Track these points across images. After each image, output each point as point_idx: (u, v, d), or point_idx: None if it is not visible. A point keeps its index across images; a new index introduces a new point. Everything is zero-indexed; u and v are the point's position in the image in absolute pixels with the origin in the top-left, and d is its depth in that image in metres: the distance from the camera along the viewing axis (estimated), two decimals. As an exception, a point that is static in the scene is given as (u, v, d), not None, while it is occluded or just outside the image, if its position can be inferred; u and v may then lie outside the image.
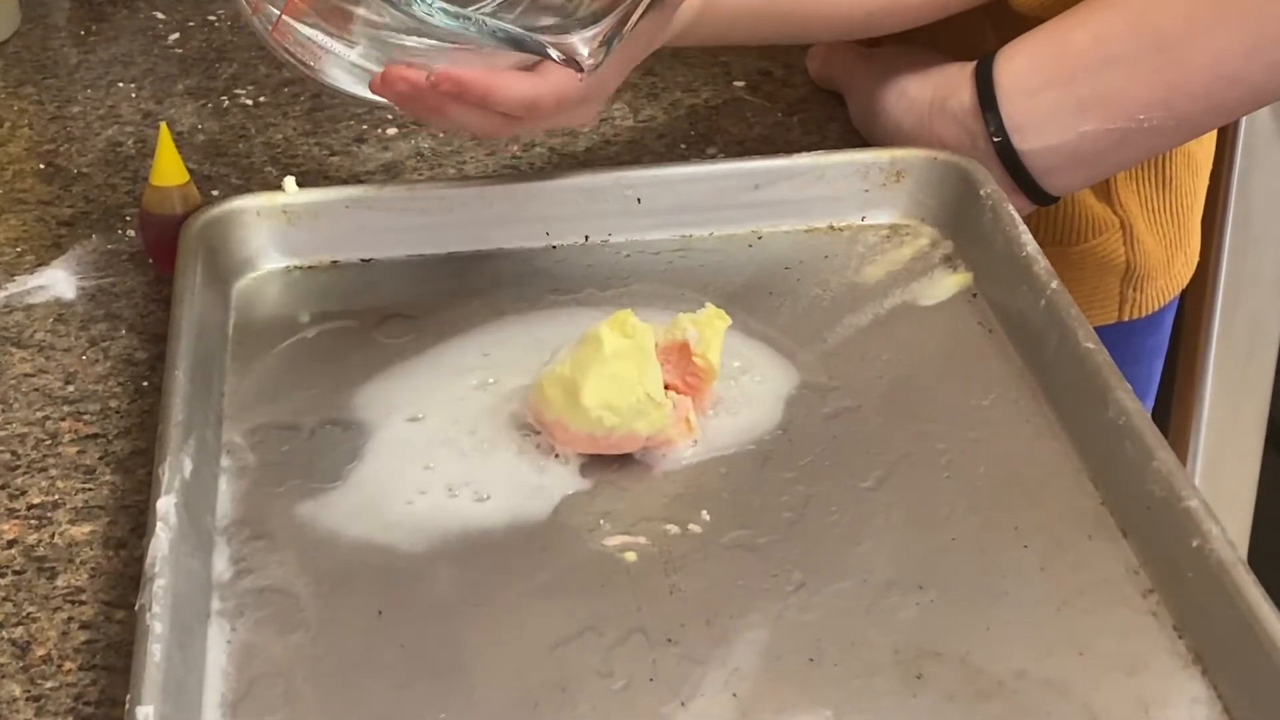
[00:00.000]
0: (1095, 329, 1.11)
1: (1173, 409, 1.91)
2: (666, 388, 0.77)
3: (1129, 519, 0.72)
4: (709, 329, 0.79)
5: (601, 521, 0.73)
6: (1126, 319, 1.12)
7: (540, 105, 0.81)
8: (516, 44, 0.75)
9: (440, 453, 0.77)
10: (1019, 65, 0.94)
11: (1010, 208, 0.88)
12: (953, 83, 0.96)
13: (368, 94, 0.81)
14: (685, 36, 0.92)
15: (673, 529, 0.73)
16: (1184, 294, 1.84)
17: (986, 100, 0.94)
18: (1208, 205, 1.77)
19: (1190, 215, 1.12)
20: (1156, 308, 1.13)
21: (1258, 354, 1.85)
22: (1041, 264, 0.84)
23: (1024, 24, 0.96)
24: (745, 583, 0.70)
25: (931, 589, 0.69)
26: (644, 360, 0.76)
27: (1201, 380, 1.86)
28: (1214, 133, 1.13)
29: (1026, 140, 0.94)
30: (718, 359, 0.79)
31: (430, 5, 0.74)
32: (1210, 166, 1.14)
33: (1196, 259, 1.17)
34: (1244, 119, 1.72)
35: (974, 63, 0.96)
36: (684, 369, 0.79)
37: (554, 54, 0.75)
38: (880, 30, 0.99)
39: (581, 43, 0.75)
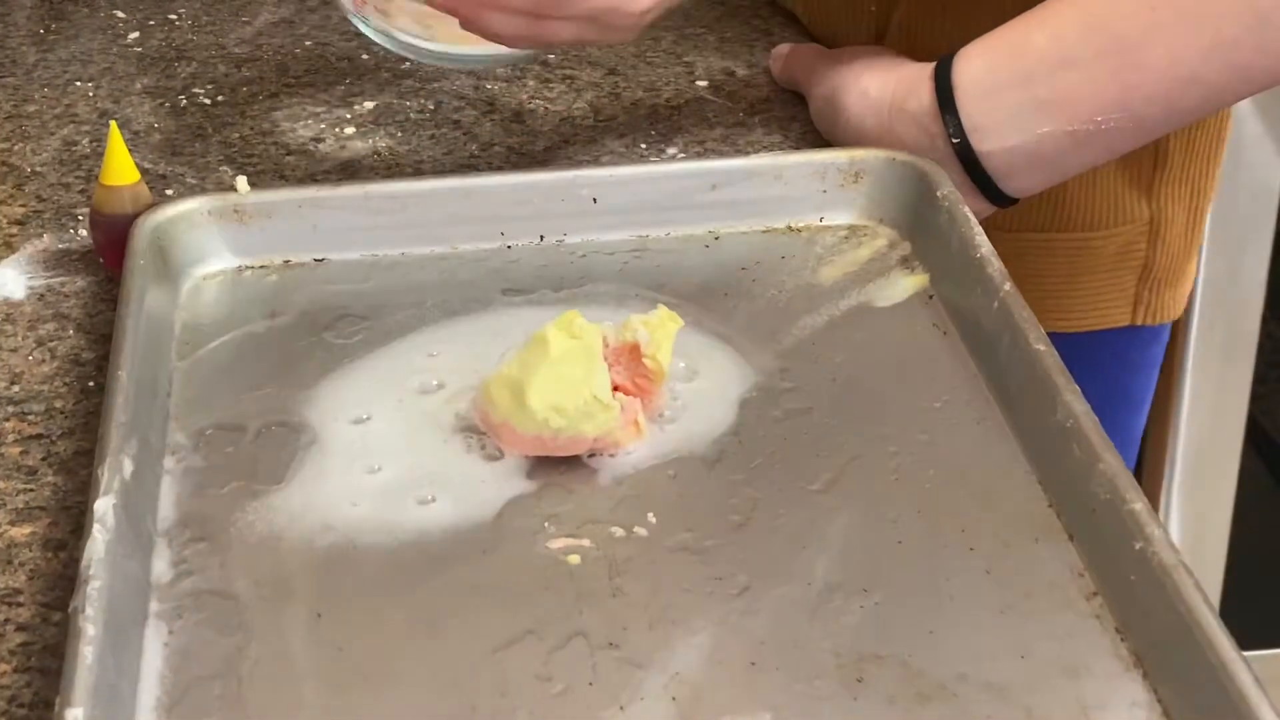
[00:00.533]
0: (1104, 332, 1.12)
1: (1152, 406, 1.91)
2: (616, 389, 0.76)
3: (1075, 522, 0.71)
4: (660, 331, 0.78)
5: (546, 524, 0.73)
6: (1139, 323, 1.12)
7: None
8: None
9: (385, 454, 0.76)
10: (977, 66, 0.93)
11: (966, 209, 0.88)
12: (912, 83, 0.96)
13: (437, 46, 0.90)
14: None
15: (618, 532, 0.72)
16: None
17: (945, 101, 0.93)
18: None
19: (1203, 223, 1.13)
20: (1168, 318, 1.13)
21: (1237, 352, 1.86)
22: (995, 266, 0.83)
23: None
24: (689, 586, 0.69)
25: (876, 592, 0.69)
26: (591, 361, 0.76)
27: (1180, 377, 1.86)
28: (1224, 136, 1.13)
29: (985, 141, 0.93)
30: (668, 360, 0.78)
31: None
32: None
33: (1195, 272, 1.17)
34: (1230, 119, 1.72)
35: (933, 63, 0.95)
36: (634, 370, 0.78)
37: None
38: None
39: None
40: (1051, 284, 1.10)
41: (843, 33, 1.12)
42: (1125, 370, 1.17)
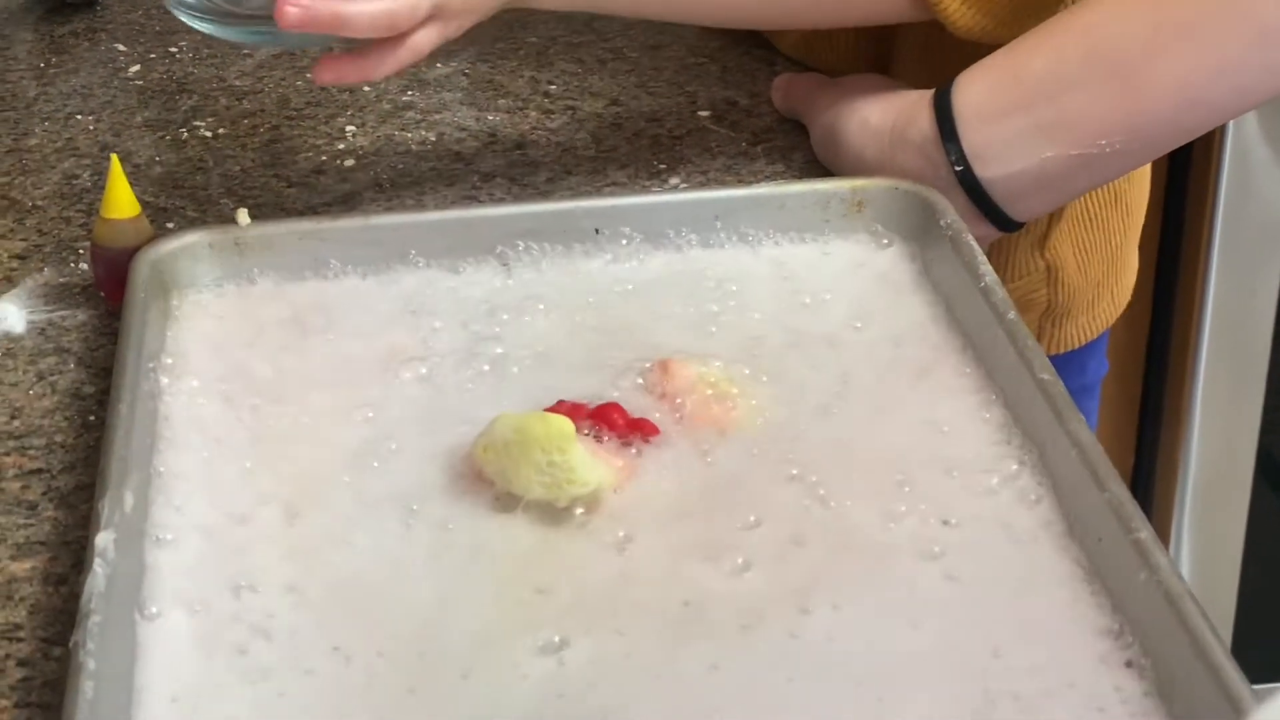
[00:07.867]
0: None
1: (1161, 439, 1.91)
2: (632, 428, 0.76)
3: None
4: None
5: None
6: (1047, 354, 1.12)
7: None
8: None
9: (391, 493, 0.75)
10: (977, 92, 0.93)
11: (970, 238, 0.87)
12: (912, 111, 0.95)
13: None
14: None
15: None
16: (1170, 323, 1.84)
17: (946, 129, 0.93)
18: (1192, 235, 1.76)
19: (1120, 255, 1.12)
20: (1076, 345, 1.12)
21: (1247, 382, 1.85)
22: (999, 294, 0.83)
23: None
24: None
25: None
26: (568, 446, 0.74)
27: (1190, 409, 1.86)
28: (1147, 176, 1.12)
29: (988, 168, 0.93)
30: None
31: None
32: (1144, 208, 1.14)
33: (1126, 300, 1.15)
34: (1229, 150, 1.72)
35: (933, 91, 0.95)
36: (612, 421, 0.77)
37: None
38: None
39: None
40: None
41: (840, 63, 1.12)
42: None
